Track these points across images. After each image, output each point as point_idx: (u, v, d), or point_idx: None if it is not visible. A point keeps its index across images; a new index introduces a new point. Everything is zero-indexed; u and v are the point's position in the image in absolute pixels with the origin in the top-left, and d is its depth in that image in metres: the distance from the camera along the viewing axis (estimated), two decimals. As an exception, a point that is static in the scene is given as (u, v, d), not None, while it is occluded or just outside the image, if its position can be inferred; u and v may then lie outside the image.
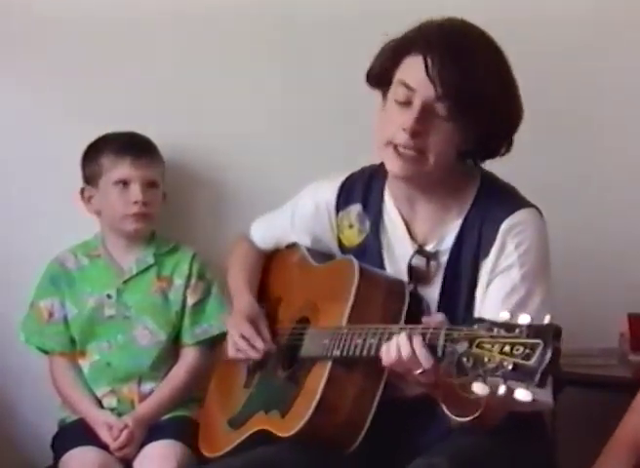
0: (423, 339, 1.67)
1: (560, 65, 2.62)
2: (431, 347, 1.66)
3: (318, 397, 1.83)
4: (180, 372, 2.43)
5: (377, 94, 1.97)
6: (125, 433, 2.31)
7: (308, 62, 2.62)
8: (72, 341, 2.44)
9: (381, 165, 2.03)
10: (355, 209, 2.06)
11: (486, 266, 1.89)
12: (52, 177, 2.58)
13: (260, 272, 2.27)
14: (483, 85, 1.83)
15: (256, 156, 2.62)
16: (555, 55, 2.61)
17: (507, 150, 1.94)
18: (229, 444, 2.04)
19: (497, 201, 1.92)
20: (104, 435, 2.32)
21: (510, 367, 1.46)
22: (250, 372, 2.13)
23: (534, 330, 1.47)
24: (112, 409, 2.39)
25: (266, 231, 2.28)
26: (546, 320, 1.49)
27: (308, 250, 2.15)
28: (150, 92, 2.60)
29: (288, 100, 2.62)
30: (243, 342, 2.07)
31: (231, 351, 2.10)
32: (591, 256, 2.60)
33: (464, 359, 1.53)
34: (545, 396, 1.76)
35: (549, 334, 1.45)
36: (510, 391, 1.47)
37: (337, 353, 1.84)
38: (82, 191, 2.48)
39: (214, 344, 2.44)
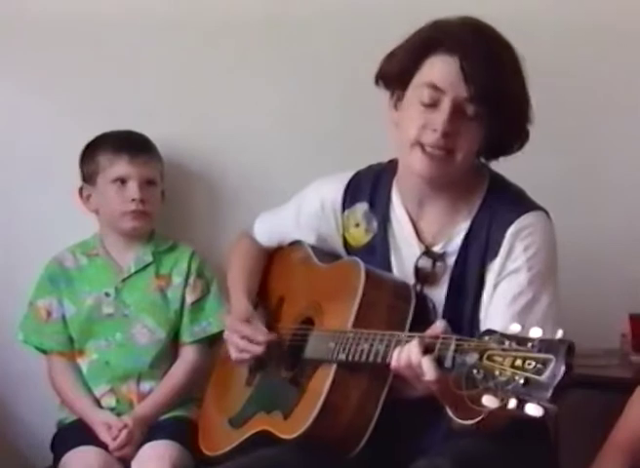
0: (433, 350, 1.66)
1: (561, 65, 2.61)
2: (441, 358, 1.65)
3: (322, 399, 1.82)
4: (178, 372, 2.43)
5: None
6: (124, 433, 2.30)
7: (309, 62, 2.61)
8: (71, 341, 2.43)
9: (390, 163, 2.04)
10: (362, 207, 2.04)
11: (493, 268, 1.89)
12: (52, 178, 2.57)
13: (260, 272, 2.25)
14: (509, 85, 1.85)
15: (255, 155, 2.61)
16: (556, 55, 2.60)
17: (520, 147, 1.95)
18: (230, 443, 2.03)
19: (505, 203, 1.92)
20: (103, 435, 2.31)
21: (522, 381, 1.45)
22: (251, 371, 2.12)
23: (546, 344, 1.46)
24: (111, 409, 2.38)
25: (270, 228, 2.25)
26: (559, 335, 1.47)
27: (312, 248, 2.13)
28: (150, 91, 2.59)
29: (288, 99, 2.61)
30: (244, 341, 2.05)
31: (234, 354, 2.08)
32: (592, 257, 2.59)
33: (475, 371, 1.52)
34: None
35: (562, 350, 1.44)
36: (521, 406, 1.46)
37: (342, 357, 1.83)
38: (80, 190, 2.47)
39: (213, 342, 2.43)
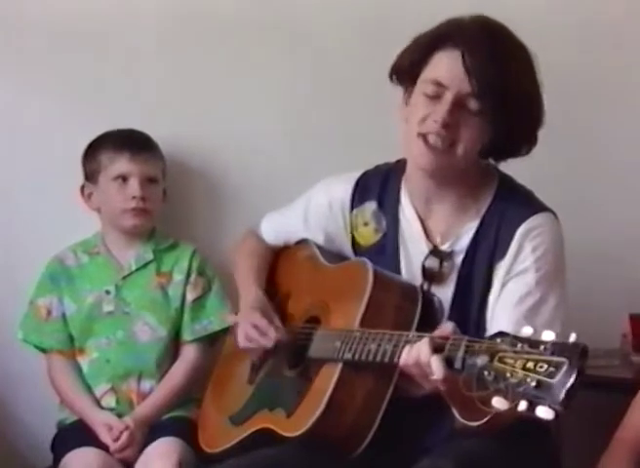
0: (443, 350, 1.66)
1: (562, 66, 2.61)
2: (450, 358, 1.64)
3: (327, 398, 1.82)
4: (179, 371, 2.42)
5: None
6: (126, 434, 2.29)
7: (313, 62, 2.61)
8: (71, 339, 2.42)
9: (398, 163, 2.05)
10: (370, 206, 2.05)
11: (501, 268, 1.90)
12: (53, 177, 2.56)
13: (267, 269, 2.24)
14: (517, 83, 1.85)
15: (256, 153, 2.61)
16: (557, 56, 2.60)
17: (529, 151, 1.95)
18: (230, 440, 2.03)
19: (514, 204, 1.93)
20: (104, 436, 2.30)
21: (534, 383, 1.45)
22: (254, 369, 2.12)
23: (559, 347, 1.46)
24: (111, 410, 2.37)
25: (277, 227, 2.25)
26: (572, 338, 1.48)
27: (319, 248, 2.13)
28: (152, 90, 2.58)
29: (290, 100, 2.61)
30: (255, 331, 2.03)
31: (242, 341, 2.06)
32: (593, 257, 2.59)
33: (486, 372, 1.52)
34: None
35: (575, 354, 1.45)
36: (532, 408, 1.46)
37: (348, 356, 1.83)
38: (82, 188, 2.47)
39: (214, 341, 2.43)
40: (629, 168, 2.68)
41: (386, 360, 1.76)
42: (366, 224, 2.05)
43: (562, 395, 1.43)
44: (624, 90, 2.68)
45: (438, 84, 1.86)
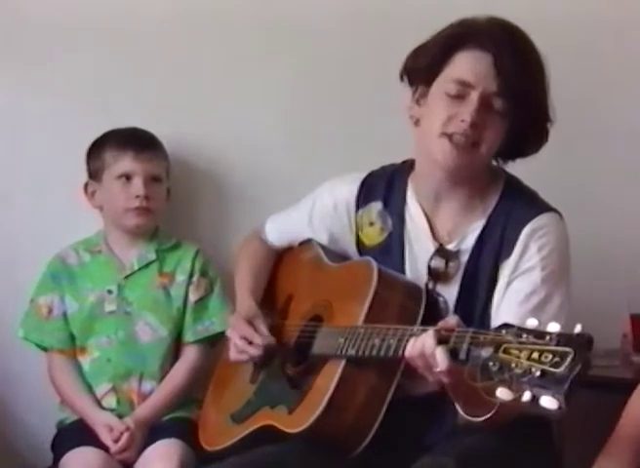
0: (448, 341, 1.66)
1: (562, 67, 2.62)
2: (455, 350, 1.64)
3: (330, 394, 1.82)
4: (180, 372, 2.42)
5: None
6: (126, 435, 2.29)
7: (315, 63, 2.61)
8: (71, 338, 2.42)
9: (404, 163, 2.07)
10: (376, 206, 2.06)
11: (507, 267, 1.91)
12: (54, 177, 2.56)
13: (268, 272, 2.25)
14: (536, 83, 1.90)
15: (260, 153, 2.62)
16: (558, 57, 2.61)
17: (537, 149, 1.98)
18: (231, 438, 2.03)
19: (520, 203, 1.95)
20: (105, 436, 2.30)
21: (538, 373, 1.45)
22: (256, 368, 2.12)
23: (564, 338, 1.46)
24: (112, 410, 2.36)
25: (282, 228, 2.26)
26: (577, 329, 1.48)
27: (323, 248, 2.14)
28: (156, 90, 2.58)
29: (294, 99, 2.62)
30: (243, 342, 2.05)
31: (233, 355, 2.08)
32: (593, 257, 2.59)
33: (490, 363, 1.52)
34: None
35: (581, 344, 1.45)
36: (536, 398, 1.46)
37: (352, 352, 1.83)
38: (85, 186, 2.47)
39: (215, 342, 2.42)
40: (631, 168, 2.68)
41: (391, 354, 1.76)
42: (371, 224, 2.06)
43: (567, 385, 1.43)
44: (626, 89, 2.70)
45: (463, 83, 1.88)
